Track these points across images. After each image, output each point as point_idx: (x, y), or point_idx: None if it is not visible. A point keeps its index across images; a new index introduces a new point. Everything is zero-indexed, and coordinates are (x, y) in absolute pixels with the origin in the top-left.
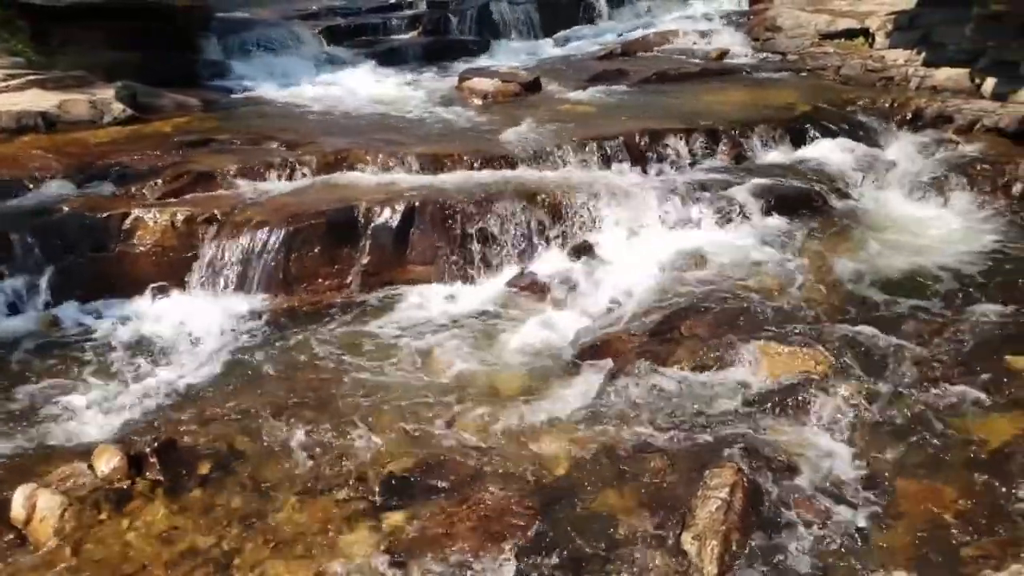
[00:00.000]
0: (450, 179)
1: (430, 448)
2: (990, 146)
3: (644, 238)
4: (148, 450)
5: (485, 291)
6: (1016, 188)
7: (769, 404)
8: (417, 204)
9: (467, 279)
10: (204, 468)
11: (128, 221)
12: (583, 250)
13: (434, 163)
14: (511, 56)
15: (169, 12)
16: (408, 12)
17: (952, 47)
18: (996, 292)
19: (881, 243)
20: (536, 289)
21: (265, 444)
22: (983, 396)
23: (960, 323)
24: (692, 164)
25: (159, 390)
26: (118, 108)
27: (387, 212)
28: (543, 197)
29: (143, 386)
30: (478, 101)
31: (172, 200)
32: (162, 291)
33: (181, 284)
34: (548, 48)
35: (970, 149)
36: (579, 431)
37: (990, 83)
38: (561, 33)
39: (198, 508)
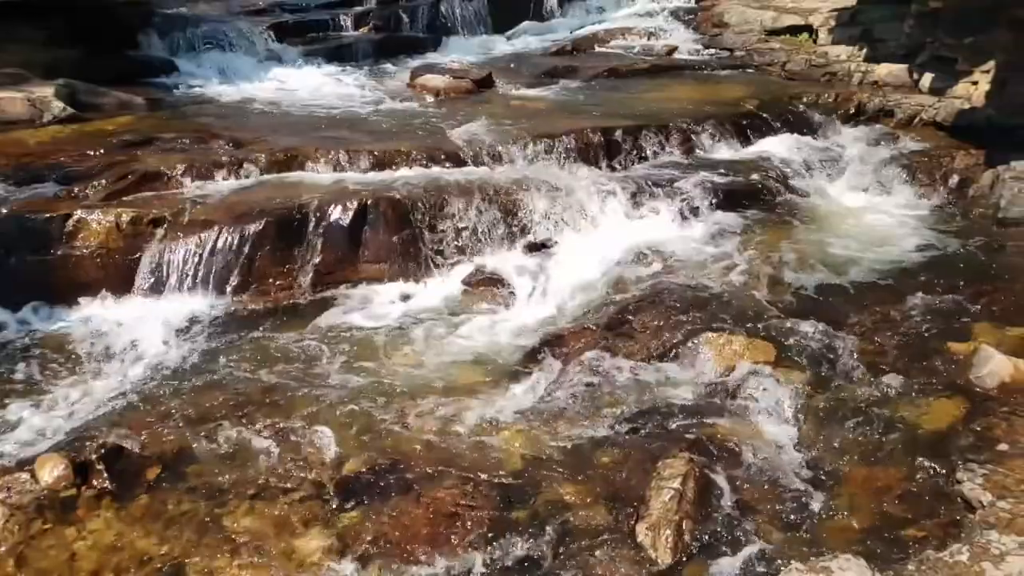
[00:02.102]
0: (402, 177)
1: (385, 447)
2: (929, 139)
3: (597, 233)
4: (94, 457)
5: (440, 289)
6: (953, 180)
7: (719, 394)
8: (369, 202)
9: (421, 277)
10: (153, 474)
11: (71, 223)
12: (536, 246)
13: (386, 161)
14: (463, 52)
15: (109, 8)
16: (358, 8)
17: (892, 43)
18: (935, 281)
19: (826, 235)
20: (491, 285)
21: (216, 447)
22: (924, 382)
23: (902, 312)
24: (643, 160)
25: (105, 396)
26: (58, 107)
27: (339, 211)
28: (496, 194)
29: (89, 392)
30: (430, 98)
31: (117, 201)
32: (107, 294)
33: (127, 287)
34: (500, 44)
35: (910, 142)
36: (535, 426)
37: (928, 78)
38: (512, 29)
39: (147, 514)
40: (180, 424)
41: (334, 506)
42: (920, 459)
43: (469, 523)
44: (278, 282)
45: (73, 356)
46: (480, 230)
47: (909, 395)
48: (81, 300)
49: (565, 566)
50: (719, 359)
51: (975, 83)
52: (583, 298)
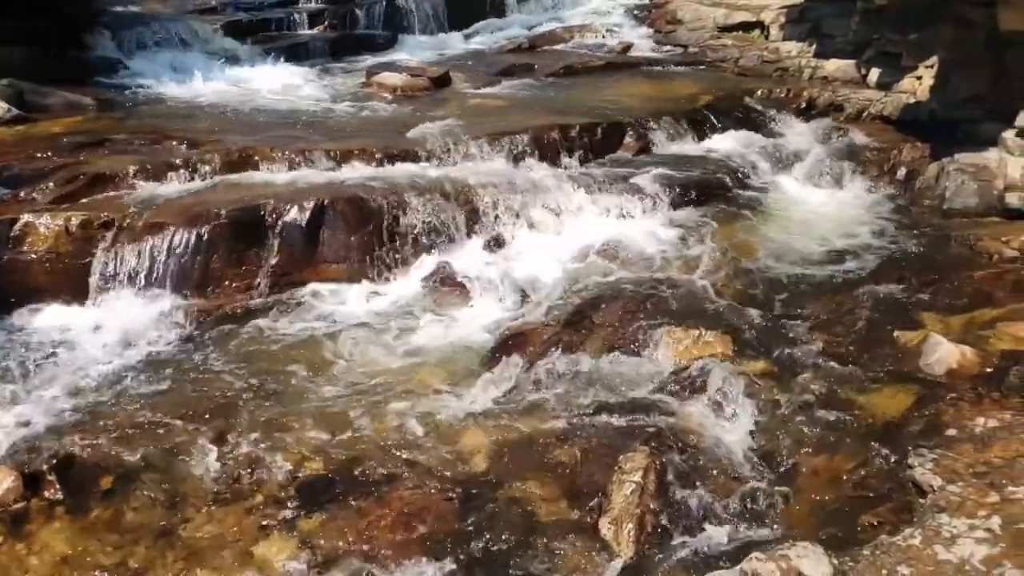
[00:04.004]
0: (360, 176)
1: (346, 449)
2: (877, 133)
3: (555, 230)
4: (45, 468)
5: (399, 288)
6: (900, 173)
7: (678, 388)
8: (327, 202)
9: (381, 276)
10: (107, 483)
11: (17, 227)
12: (496, 244)
13: (343, 159)
14: (419, 50)
15: (56, 6)
16: (313, 6)
17: (840, 39)
18: (885, 272)
19: (780, 229)
20: (451, 284)
21: (173, 455)
22: (876, 371)
23: (854, 302)
24: (600, 157)
25: (57, 405)
26: (2, 108)
27: (296, 210)
28: (455, 191)
29: (40, 401)
30: (387, 96)
31: (66, 204)
32: (58, 300)
33: (79, 292)
34: (456, 42)
35: (860, 136)
36: (497, 423)
37: (875, 73)
38: (468, 27)
39: (102, 525)
40: (136, 432)
41: (294, 511)
42: (873, 446)
43: (432, 522)
44: (235, 284)
45: (22, 364)
46: (439, 228)
47: (862, 384)
48: (31, 306)
49: (529, 562)
50: (677, 352)
51: (919, 78)
52: (542, 295)
